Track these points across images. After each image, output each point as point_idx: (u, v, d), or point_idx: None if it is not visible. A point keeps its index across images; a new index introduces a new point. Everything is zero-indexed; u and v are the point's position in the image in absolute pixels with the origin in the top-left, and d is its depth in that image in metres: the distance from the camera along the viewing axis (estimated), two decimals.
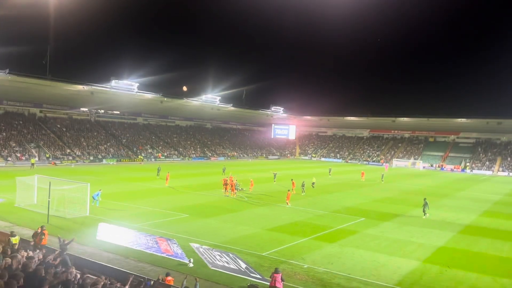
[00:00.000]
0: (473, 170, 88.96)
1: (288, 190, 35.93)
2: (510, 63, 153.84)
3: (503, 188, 56.57)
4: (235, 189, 37.46)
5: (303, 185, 41.20)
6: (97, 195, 29.64)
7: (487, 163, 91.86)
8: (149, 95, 79.72)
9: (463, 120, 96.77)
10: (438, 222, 29.57)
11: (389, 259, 19.85)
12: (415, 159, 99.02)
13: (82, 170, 55.08)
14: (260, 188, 42.36)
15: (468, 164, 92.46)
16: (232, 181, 38.85)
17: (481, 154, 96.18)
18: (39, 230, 16.54)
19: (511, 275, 18.20)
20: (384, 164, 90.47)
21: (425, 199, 31.76)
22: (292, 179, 43.10)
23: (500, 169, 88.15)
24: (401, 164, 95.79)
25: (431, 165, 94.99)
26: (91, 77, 73.67)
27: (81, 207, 26.33)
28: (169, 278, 13.83)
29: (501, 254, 21.81)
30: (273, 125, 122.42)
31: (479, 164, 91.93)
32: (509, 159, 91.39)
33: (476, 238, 25.11)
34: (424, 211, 30.86)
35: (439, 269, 18.68)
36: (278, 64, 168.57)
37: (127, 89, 73.93)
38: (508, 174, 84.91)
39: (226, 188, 37.61)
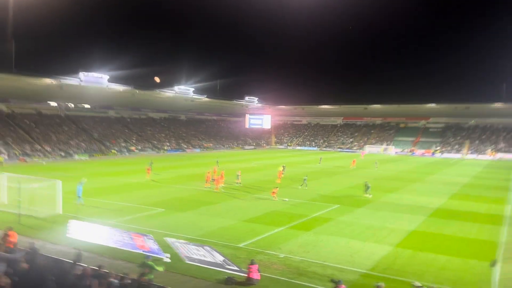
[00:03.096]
0: (443, 154, 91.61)
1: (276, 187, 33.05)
2: (476, 50, 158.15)
3: (471, 171, 58.54)
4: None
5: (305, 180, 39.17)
6: (80, 190, 28.72)
7: (456, 146, 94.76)
8: (120, 88, 78.22)
9: (433, 105, 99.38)
10: (410, 206, 30.41)
11: (363, 245, 20.31)
12: (387, 144, 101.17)
13: (53, 167, 53.72)
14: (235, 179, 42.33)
15: (438, 148, 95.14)
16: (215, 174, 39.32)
17: (450, 138, 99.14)
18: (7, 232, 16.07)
19: (479, 256, 18.90)
20: (360, 151, 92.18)
21: (366, 182, 35.10)
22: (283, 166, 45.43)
23: (469, 152, 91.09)
24: (373, 150, 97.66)
25: (403, 150, 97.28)
26: (60, 71, 71.67)
27: (53, 205, 25.71)
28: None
29: (469, 236, 22.63)
30: (247, 115, 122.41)
31: (449, 148, 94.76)
32: (476, 142, 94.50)
33: (446, 221, 25.93)
34: (368, 192, 33.84)
35: (411, 253, 19.26)
36: (252, 55, 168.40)
37: (97, 82, 72.35)
38: (476, 156, 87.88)
39: (207, 180, 37.81)
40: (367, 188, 34.33)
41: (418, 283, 13.28)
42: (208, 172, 39.36)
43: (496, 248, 20.43)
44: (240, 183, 38.97)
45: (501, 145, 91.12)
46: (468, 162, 75.64)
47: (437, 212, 28.64)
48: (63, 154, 68.07)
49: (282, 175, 44.19)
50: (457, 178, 49.30)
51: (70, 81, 69.51)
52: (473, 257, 18.82)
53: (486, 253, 19.26)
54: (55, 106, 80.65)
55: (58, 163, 59.67)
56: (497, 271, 15.97)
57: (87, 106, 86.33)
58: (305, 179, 38.86)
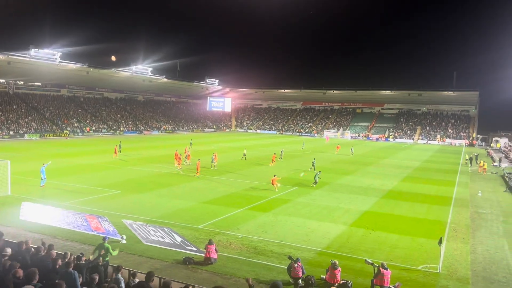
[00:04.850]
0: (396, 139, 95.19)
1: (275, 175, 29.94)
2: (429, 39, 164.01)
3: (422, 155, 61.27)
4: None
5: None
6: (43, 171, 27.52)
7: (408, 132, 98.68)
8: (73, 65, 74.78)
9: (388, 92, 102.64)
10: (364, 188, 31.49)
11: (319, 225, 20.88)
12: (344, 129, 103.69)
13: (2, 147, 51.02)
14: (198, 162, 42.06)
15: (391, 133, 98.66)
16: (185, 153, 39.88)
17: (403, 124, 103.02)
18: None
19: (427, 234, 19.94)
20: (325, 136, 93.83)
21: (316, 171, 34.08)
22: (275, 153, 45.02)
23: (420, 137, 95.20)
24: (331, 134, 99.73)
25: (358, 135, 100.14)
26: (8, 46, 67.45)
27: (1, 186, 24.52)
28: None
29: (419, 216, 23.79)
30: (208, 97, 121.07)
31: (401, 133, 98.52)
32: (427, 128, 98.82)
33: (397, 202, 27.11)
34: (316, 178, 31.88)
35: (364, 232, 20.02)
36: (213, 36, 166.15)
37: (48, 58, 68.76)
38: (427, 142, 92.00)
39: (179, 162, 37.65)
40: (315, 175, 32.53)
41: (370, 260, 13.86)
42: (181, 154, 39.22)
43: (443, 227, 21.63)
44: (215, 167, 38.08)
45: (450, 131, 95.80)
46: (419, 147, 79.06)
47: (389, 194, 29.85)
48: (12, 133, 64.75)
49: (280, 159, 45.71)
50: (408, 162, 51.45)
51: (19, 57, 65.68)
52: (422, 235, 19.82)
53: (434, 231, 20.34)
54: (3, 83, 76.17)
55: (7, 143, 56.72)
56: (443, 248, 16.91)
57: (37, 83, 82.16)
58: (313, 162, 39.56)
